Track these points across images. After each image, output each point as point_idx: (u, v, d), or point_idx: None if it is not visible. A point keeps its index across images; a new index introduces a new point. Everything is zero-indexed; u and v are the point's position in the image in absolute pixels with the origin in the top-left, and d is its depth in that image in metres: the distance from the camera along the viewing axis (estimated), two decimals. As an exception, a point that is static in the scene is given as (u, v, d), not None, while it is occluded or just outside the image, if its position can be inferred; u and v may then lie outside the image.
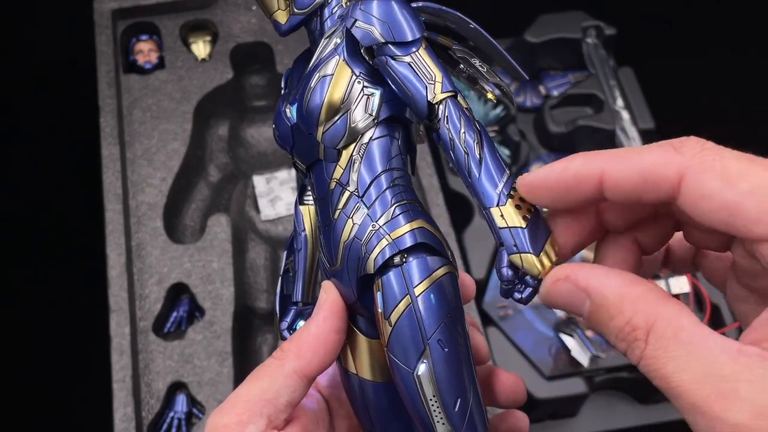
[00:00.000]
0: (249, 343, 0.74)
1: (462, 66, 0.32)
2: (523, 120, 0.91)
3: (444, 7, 0.31)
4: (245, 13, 0.87)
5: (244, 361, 0.71)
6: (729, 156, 0.23)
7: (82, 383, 0.80)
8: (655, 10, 1.04)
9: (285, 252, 0.36)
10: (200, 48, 0.86)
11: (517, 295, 0.28)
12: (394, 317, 0.29)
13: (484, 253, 0.79)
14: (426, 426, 0.29)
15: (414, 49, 0.30)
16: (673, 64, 0.99)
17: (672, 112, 0.91)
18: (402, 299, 0.29)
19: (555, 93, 0.93)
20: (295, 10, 0.32)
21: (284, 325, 0.35)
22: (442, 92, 0.29)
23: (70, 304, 0.84)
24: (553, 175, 0.27)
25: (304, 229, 0.35)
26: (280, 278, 0.36)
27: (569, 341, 0.74)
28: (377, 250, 0.29)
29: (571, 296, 0.26)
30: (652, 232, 0.29)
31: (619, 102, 0.88)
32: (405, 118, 0.31)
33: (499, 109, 0.89)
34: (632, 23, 0.97)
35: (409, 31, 0.30)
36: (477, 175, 0.28)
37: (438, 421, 0.29)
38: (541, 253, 0.27)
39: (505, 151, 0.88)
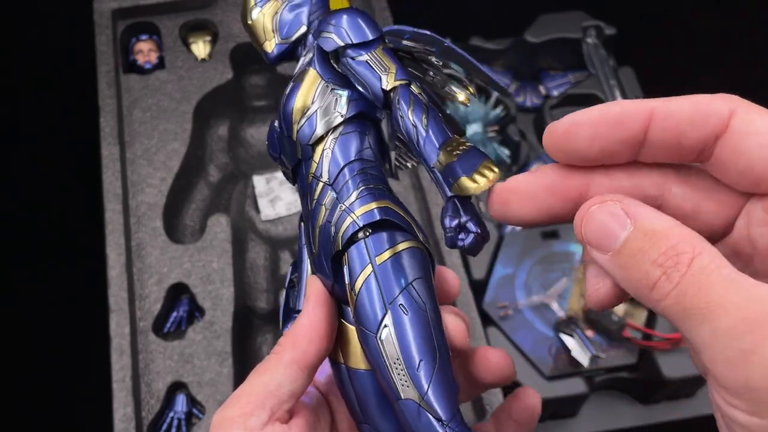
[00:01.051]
0: (249, 343, 0.74)
1: (432, 73, 0.34)
2: (523, 120, 0.91)
3: (416, 29, 0.33)
4: (245, 13, 0.87)
5: (244, 361, 0.71)
6: None
7: (82, 383, 0.80)
8: (655, 10, 1.04)
9: (291, 268, 0.38)
10: (200, 48, 0.86)
11: (460, 243, 0.29)
12: (357, 286, 0.31)
13: (484, 253, 0.79)
14: (392, 390, 0.30)
15: (372, 49, 0.32)
16: (673, 64, 0.99)
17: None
18: (364, 268, 0.31)
19: (555, 93, 0.93)
20: (280, 40, 0.35)
21: (287, 329, 0.36)
22: (395, 80, 0.31)
23: (70, 304, 0.84)
24: (597, 111, 0.26)
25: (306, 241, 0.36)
26: (285, 291, 0.37)
27: (569, 341, 0.74)
28: (344, 227, 0.31)
29: (613, 219, 0.25)
30: None
31: (619, 102, 0.88)
32: (374, 116, 0.34)
33: (499, 109, 0.89)
34: (632, 23, 0.97)
35: (365, 34, 0.33)
36: (423, 143, 0.30)
37: (402, 385, 0.29)
38: (474, 173, 0.28)
39: (505, 151, 0.88)
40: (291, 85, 0.34)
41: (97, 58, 0.82)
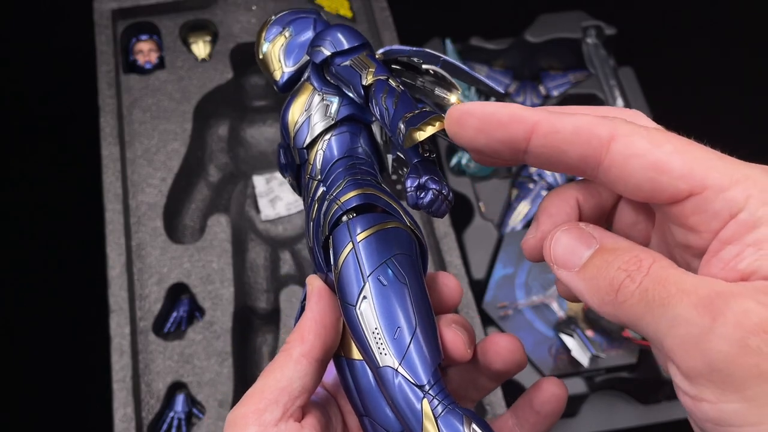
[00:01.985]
0: (249, 343, 0.74)
1: (421, 80, 0.36)
2: (523, 120, 0.91)
3: (410, 47, 0.35)
4: (245, 13, 0.87)
5: (244, 361, 0.71)
6: (653, 129, 0.26)
7: (82, 383, 0.80)
8: (655, 10, 1.04)
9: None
10: (200, 48, 0.86)
11: (420, 201, 0.30)
12: (339, 263, 0.32)
13: (484, 253, 0.79)
14: (372, 360, 0.30)
15: (355, 54, 0.35)
16: (673, 64, 0.99)
17: (672, 112, 0.91)
18: (346, 246, 0.32)
19: (555, 93, 0.93)
20: (287, 68, 0.38)
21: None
22: (374, 77, 0.33)
23: (71, 304, 0.84)
24: (490, 108, 0.28)
25: None
26: (300, 303, 0.38)
27: (569, 341, 0.74)
28: (330, 213, 0.33)
29: (579, 239, 0.27)
30: (593, 199, 0.31)
31: (619, 102, 0.88)
32: (365, 119, 0.36)
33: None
34: (632, 23, 0.97)
35: (349, 41, 0.35)
36: (390, 119, 0.31)
37: (380, 353, 0.30)
38: (420, 124, 0.29)
39: (505, 151, 0.88)
40: (288, 98, 0.37)
41: (97, 58, 0.82)
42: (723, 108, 0.95)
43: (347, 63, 0.35)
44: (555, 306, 0.76)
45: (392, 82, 0.33)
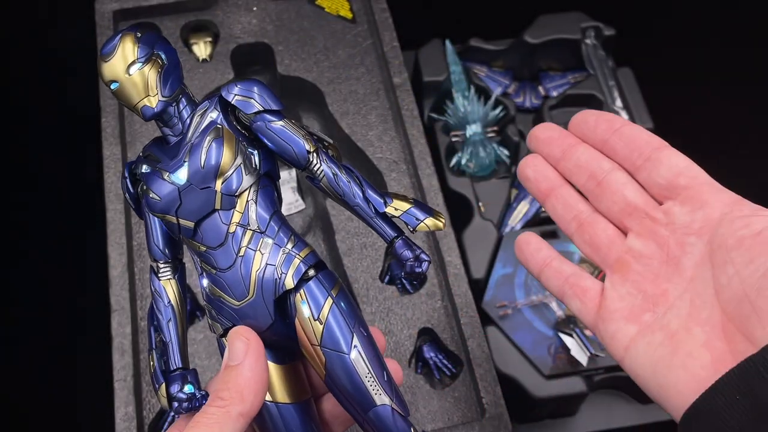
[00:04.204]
0: (249, 342, 0.74)
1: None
2: (523, 120, 0.92)
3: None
4: (246, 14, 0.87)
5: (245, 360, 0.71)
6: None
7: (83, 383, 0.80)
8: (654, 10, 1.04)
9: (151, 331, 0.39)
10: (201, 49, 0.86)
11: (418, 270, 0.36)
12: (324, 315, 0.36)
13: (484, 253, 0.79)
14: (368, 401, 0.35)
15: (283, 117, 0.38)
16: (672, 65, 1.00)
17: (671, 112, 0.92)
18: (326, 300, 0.36)
19: (554, 93, 0.93)
20: (163, 96, 0.38)
21: (175, 388, 0.38)
22: (313, 144, 0.38)
23: (72, 304, 0.84)
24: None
25: (170, 301, 0.39)
26: (153, 353, 0.38)
27: (568, 340, 0.74)
28: (293, 268, 0.36)
29: None
30: None
31: (618, 102, 0.89)
32: (275, 174, 0.40)
33: (498, 110, 0.90)
34: (631, 24, 0.97)
35: (277, 103, 0.38)
36: (363, 194, 0.37)
37: (376, 393, 0.35)
38: (434, 215, 0.37)
39: (505, 151, 0.88)
40: (207, 140, 0.37)
41: (98, 58, 0.82)
42: (722, 108, 0.95)
43: (281, 123, 0.37)
44: (554, 305, 0.77)
45: (330, 152, 0.38)
